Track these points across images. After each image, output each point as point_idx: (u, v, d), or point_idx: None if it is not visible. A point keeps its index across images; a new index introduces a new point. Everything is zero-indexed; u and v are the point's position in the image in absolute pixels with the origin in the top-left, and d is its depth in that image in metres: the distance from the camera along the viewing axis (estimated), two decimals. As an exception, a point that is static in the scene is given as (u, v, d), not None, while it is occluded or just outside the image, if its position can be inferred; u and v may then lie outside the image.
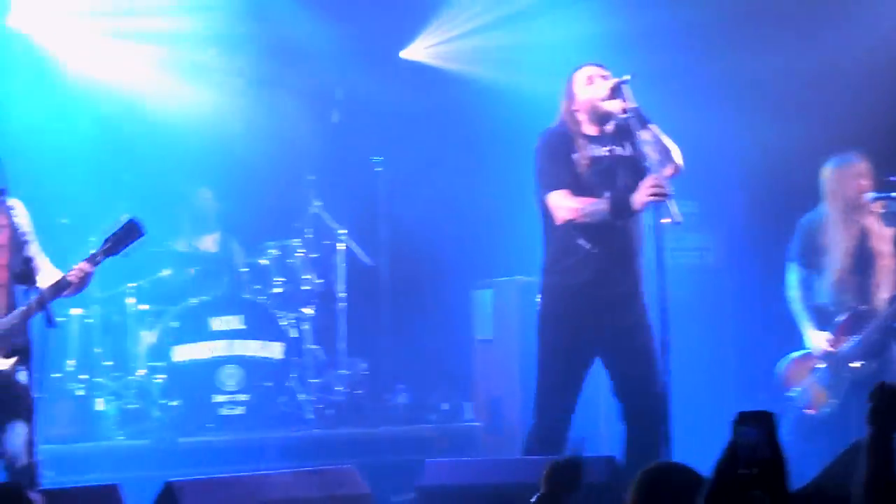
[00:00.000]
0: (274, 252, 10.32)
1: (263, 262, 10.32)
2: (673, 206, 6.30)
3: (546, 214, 6.81)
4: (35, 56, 10.23)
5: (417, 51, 11.49)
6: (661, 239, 6.32)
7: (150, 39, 10.53)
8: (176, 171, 10.54)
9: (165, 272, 10.28)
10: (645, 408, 6.62)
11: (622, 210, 6.55)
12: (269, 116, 10.82)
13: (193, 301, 9.90)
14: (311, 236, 10.47)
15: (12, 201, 6.35)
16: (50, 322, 6.07)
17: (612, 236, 6.69)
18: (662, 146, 6.59)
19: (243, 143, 10.65)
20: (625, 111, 6.60)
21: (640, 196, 6.45)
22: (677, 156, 6.65)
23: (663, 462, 4.02)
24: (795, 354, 8.28)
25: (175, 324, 9.71)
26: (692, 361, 8.77)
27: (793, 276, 8.27)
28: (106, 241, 6.32)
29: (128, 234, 6.33)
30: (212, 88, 10.72)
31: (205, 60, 10.76)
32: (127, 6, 10.27)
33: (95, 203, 9.81)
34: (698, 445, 3.99)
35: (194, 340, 9.61)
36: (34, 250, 6.37)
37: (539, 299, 6.98)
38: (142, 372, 9.78)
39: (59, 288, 6.19)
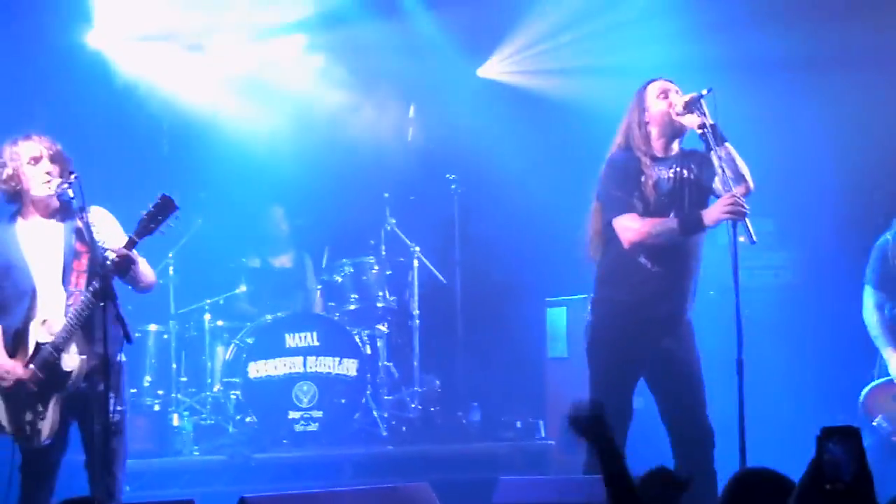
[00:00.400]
0: (349, 269, 10.36)
1: (338, 278, 10.37)
2: (749, 226, 6.24)
3: (605, 226, 6.75)
4: (113, 74, 10.34)
5: (494, 69, 11.48)
6: (736, 258, 6.26)
7: (225, 60, 10.61)
8: (250, 189, 10.62)
9: (241, 289, 10.35)
10: (690, 437, 6.59)
11: (692, 227, 6.49)
12: (344, 134, 10.85)
13: (268, 317, 9.95)
14: (385, 253, 10.51)
15: (93, 214, 6.43)
16: (127, 338, 6.12)
17: (674, 256, 6.61)
18: (735, 165, 6.52)
19: (318, 160, 10.68)
20: (701, 126, 6.52)
21: (715, 213, 6.39)
22: (749, 176, 6.57)
23: (756, 467, 3.93)
24: (877, 382, 8.17)
25: (250, 340, 9.76)
26: (769, 381, 8.71)
27: (869, 300, 8.16)
28: (140, 220, 6.25)
29: (161, 210, 6.24)
30: (287, 108, 10.77)
31: (280, 80, 10.81)
32: (201, 27, 10.34)
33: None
34: (777, 465, 3.93)
35: (269, 357, 9.66)
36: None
37: (589, 311, 6.92)
38: (217, 388, 9.85)
39: (103, 276, 6.17)
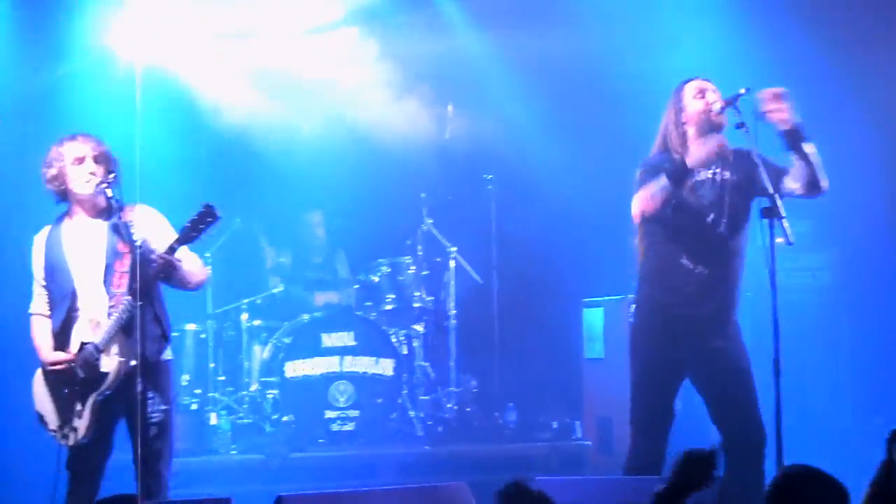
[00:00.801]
0: (385, 269, 10.37)
1: (375, 278, 10.38)
2: (786, 227, 6.21)
3: (647, 227, 6.74)
4: (151, 75, 10.33)
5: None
6: (773, 259, 6.24)
7: (263, 60, 10.60)
8: (288, 189, 10.66)
9: (278, 288, 10.39)
10: (743, 437, 6.55)
11: (678, 174, 6.43)
12: (381, 133, 10.85)
13: (305, 317, 9.98)
14: (422, 253, 10.52)
15: (137, 212, 6.49)
16: (165, 337, 6.15)
17: (717, 256, 6.60)
18: (812, 166, 6.49)
19: (356, 160, 10.68)
20: (741, 125, 6.48)
21: (700, 153, 6.38)
22: (824, 177, 6.54)
23: (805, 466, 3.85)
24: None
25: (287, 339, 9.80)
26: (806, 382, 8.66)
27: None
28: (183, 228, 6.36)
29: (203, 219, 6.34)
30: (324, 107, 10.76)
31: (317, 80, 10.80)
32: (239, 27, 10.35)
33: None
34: (813, 465, 3.90)
35: (306, 356, 9.69)
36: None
37: (633, 311, 6.92)
38: (255, 387, 9.89)
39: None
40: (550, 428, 10.15)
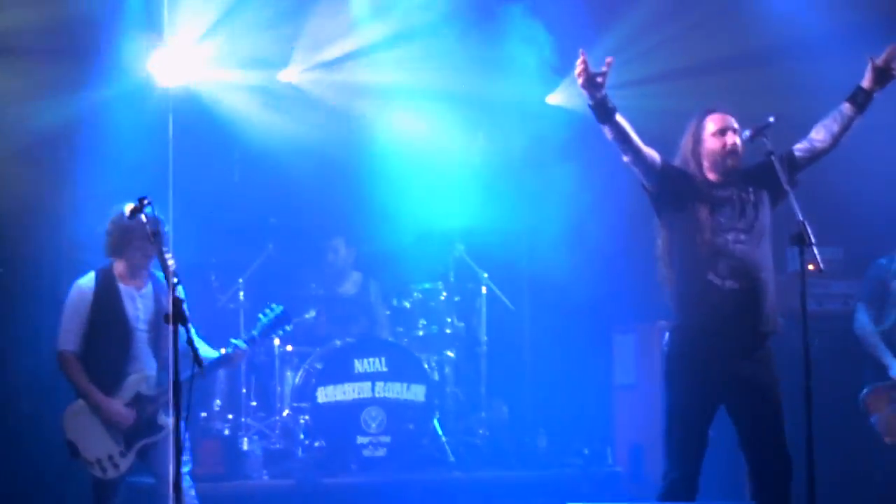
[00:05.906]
0: (417, 295, 10.40)
1: (407, 304, 10.41)
2: (817, 254, 6.19)
3: (670, 251, 6.75)
4: (184, 103, 10.37)
5: (562, 96, 11.41)
6: (804, 285, 6.22)
7: (296, 87, 10.63)
8: (320, 214, 10.70)
9: (310, 314, 10.41)
10: (770, 465, 6.52)
11: (597, 112, 6.74)
12: (414, 160, 10.86)
13: (337, 343, 10.01)
14: (454, 280, 10.53)
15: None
16: (198, 363, 6.19)
17: (744, 270, 6.55)
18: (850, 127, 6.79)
19: (388, 186, 10.70)
20: (771, 153, 6.49)
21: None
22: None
23: None
24: (880, 383, 8.59)
25: (319, 365, 9.82)
26: (835, 410, 8.63)
27: (863, 316, 8.75)
28: (263, 327, 7.53)
29: (280, 323, 7.62)
30: (357, 133, 10.78)
31: (350, 105, 10.83)
32: (272, 56, 10.39)
33: (243, 244, 10.06)
34: (843, 494, 3.92)
35: (338, 382, 9.71)
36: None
37: (667, 338, 6.89)
38: (286, 412, 9.91)
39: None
40: (581, 454, 10.14)
